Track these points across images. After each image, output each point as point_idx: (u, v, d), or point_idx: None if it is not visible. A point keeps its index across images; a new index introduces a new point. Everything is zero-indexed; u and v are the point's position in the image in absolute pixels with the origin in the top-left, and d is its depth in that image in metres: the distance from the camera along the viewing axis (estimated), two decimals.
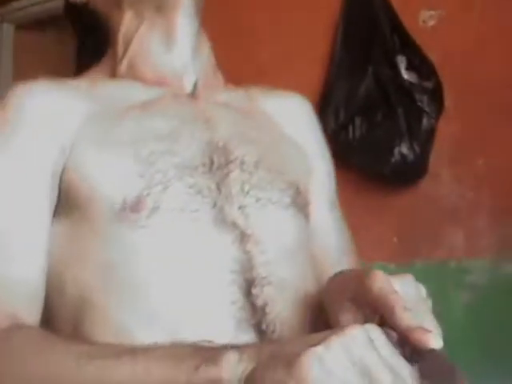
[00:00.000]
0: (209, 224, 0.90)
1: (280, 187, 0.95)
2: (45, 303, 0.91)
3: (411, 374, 0.62)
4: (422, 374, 0.69)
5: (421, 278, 0.78)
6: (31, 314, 0.87)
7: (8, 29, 3.11)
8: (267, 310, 0.89)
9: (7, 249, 0.88)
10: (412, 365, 0.67)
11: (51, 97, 0.97)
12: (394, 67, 1.92)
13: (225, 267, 0.88)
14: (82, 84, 1.01)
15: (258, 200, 0.93)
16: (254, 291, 0.89)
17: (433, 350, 0.69)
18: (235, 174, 0.93)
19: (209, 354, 0.69)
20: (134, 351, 0.74)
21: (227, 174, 0.93)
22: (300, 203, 0.98)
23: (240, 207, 0.92)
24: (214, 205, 0.91)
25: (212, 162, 0.93)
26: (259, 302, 0.88)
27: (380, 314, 0.74)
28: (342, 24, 2.06)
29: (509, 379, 1.59)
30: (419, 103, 1.90)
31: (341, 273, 0.92)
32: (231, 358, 0.67)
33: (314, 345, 0.61)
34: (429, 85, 1.91)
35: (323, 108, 1.99)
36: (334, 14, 2.08)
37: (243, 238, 0.91)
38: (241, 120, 1.00)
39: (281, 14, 2.18)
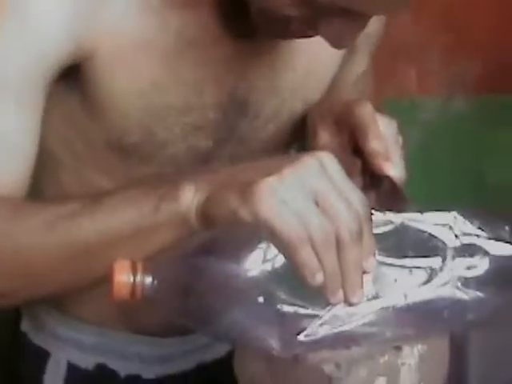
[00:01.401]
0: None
1: (282, 140, 0.93)
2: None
3: (363, 200, 0.63)
4: (376, 201, 0.72)
5: None
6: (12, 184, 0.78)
7: None
8: None
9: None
10: (368, 191, 0.70)
11: None
12: None
13: None
14: None
15: (251, 151, 0.90)
16: None
17: (391, 180, 0.72)
18: (242, 128, 0.89)
19: (166, 190, 0.69)
20: (92, 208, 0.71)
21: (235, 126, 0.88)
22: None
23: (229, 156, 0.90)
24: (206, 159, 0.88)
25: (224, 117, 0.87)
26: None
27: (355, 140, 0.76)
28: None
29: None
30: None
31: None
32: (187, 191, 0.67)
33: (268, 174, 0.61)
34: None
35: None
36: None
37: None
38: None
39: None
